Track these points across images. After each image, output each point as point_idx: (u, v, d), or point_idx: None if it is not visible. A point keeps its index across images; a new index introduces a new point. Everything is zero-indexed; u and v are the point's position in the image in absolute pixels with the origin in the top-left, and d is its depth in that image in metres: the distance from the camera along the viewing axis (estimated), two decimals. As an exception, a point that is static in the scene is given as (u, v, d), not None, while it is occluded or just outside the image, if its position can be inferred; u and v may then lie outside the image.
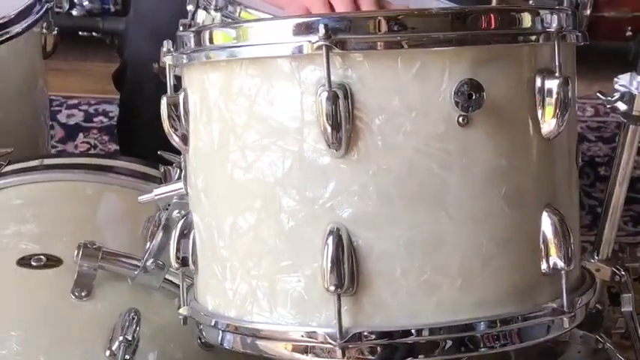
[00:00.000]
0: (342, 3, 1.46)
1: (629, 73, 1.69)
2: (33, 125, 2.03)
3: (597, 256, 1.82)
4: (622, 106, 1.69)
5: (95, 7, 3.27)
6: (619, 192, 1.78)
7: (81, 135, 2.98)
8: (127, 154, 2.22)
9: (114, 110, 2.90)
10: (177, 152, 1.41)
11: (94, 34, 3.23)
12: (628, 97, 1.68)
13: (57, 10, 3.22)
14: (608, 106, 1.70)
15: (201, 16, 1.73)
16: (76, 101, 3.10)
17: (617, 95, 1.69)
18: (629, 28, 3.16)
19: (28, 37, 1.91)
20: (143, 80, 2.11)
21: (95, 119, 3.04)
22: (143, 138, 2.13)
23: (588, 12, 3.12)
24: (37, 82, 2.02)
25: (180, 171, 1.39)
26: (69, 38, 3.26)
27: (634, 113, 1.68)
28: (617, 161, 1.75)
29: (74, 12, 3.23)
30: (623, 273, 1.81)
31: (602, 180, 2.82)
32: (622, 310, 1.82)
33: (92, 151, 2.89)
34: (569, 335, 1.83)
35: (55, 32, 1.99)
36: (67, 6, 3.23)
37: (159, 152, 1.62)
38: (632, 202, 2.73)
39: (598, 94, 1.73)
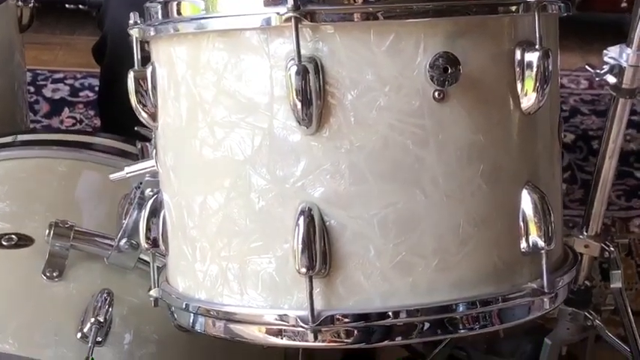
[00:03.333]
0: None
1: (618, 45, 1.64)
2: (10, 100, 1.99)
3: (586, 231, 1.78)
4: (611, 79, 1.64)
5: (81, -20, 3.22)
6: (608, 166, 1.74)
7: (66, 109, 2.93)
8: (109, 129, 2.17)
9: (100, 84, 2.86)
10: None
11: (80, 6, 3.18)
12: (617, 70, 1.63)
13: (43, -18, 3.18)
14: (597, 78, 1.66)
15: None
16: (61, 75, 3.05)
17: (606, 68, 1.64)
18: (624, -1, 3.10)
19: (3, 9, 1.87)
20: (123, 52, 2.05)
21: (81, 94, 3.00)
22: (124, 113, 2.08)
23: (583, -17, 3.09)
24: (14, 55, 1.98)
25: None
26: (55, 11, 3.23)
27: (623, 86, 1.64)
28: (607, 135, 1.71)
29: (60, -16, 3.19)
30: (612, 249, 1.77)
31: (595, 154, 2.74)
32: (611, 286, 1.78)
33: (77, 126, 2.85)
34: (558, 312, 1.80)
35: (32, 5, 1.94)
36: (53, -22, 3.18)
37: (135, 128, 1.57)
38: (625, 175, 2.69)
39: (587, 66, 1.69)
